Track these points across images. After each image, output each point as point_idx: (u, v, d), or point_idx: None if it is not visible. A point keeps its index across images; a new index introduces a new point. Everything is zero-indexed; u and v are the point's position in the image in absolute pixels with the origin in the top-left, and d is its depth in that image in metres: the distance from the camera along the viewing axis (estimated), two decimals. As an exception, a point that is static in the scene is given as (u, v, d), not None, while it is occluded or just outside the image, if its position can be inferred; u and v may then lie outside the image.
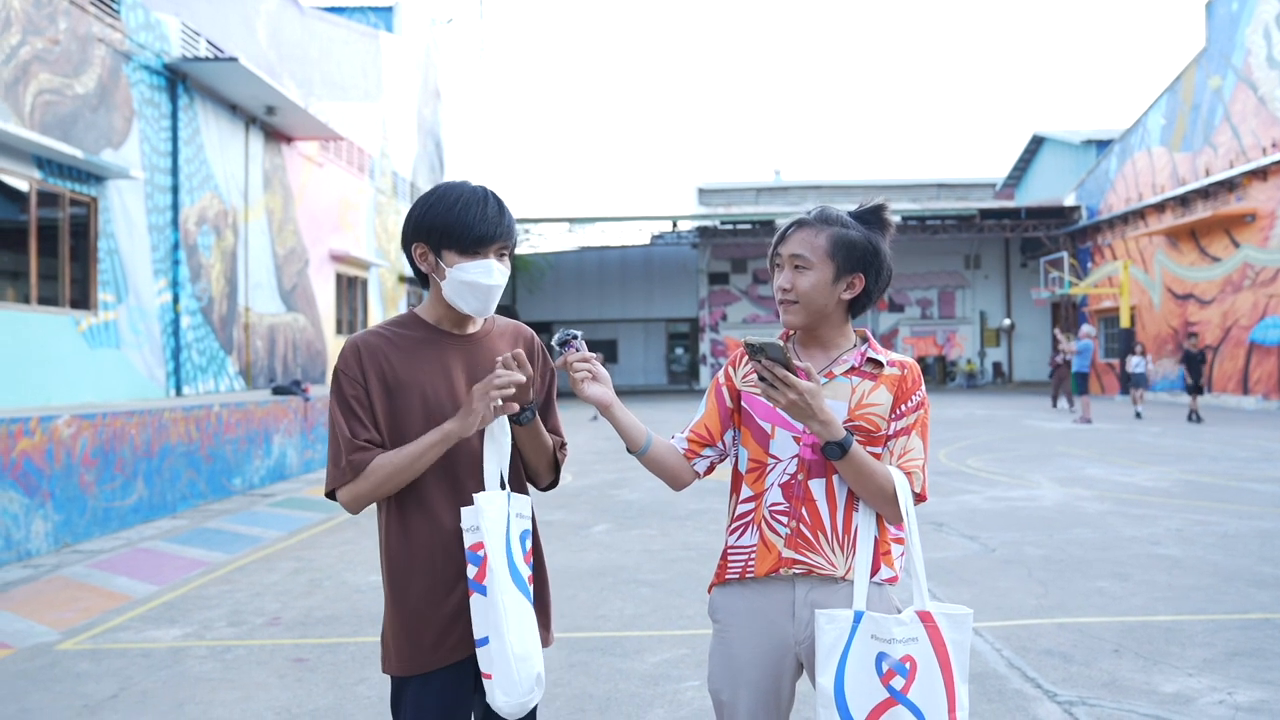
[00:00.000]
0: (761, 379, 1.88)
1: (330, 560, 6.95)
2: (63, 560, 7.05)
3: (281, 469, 11.79)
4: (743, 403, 2.09)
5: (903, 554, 2.09)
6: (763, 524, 2.01)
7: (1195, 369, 18.02)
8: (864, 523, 1.98)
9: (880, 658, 1.87)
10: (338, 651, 4.72)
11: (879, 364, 2.04)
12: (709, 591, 2.16)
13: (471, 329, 2.12)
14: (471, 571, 1.92)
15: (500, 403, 1.96)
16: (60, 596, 6.00)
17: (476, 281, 1.99)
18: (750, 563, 2.03)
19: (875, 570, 2.00)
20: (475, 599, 1.92)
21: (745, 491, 2.06)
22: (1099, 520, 7.74)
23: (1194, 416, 17.69)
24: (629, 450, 2.09)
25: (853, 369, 2.03)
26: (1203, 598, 5.31)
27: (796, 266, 2.01)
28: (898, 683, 1.86)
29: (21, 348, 9.44)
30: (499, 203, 2.03)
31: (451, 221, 1.98)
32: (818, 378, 1.92)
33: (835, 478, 1.98)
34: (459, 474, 2.03)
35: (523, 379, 1.96)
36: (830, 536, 1.98)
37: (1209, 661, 4.22)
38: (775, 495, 2.01)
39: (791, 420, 1.97)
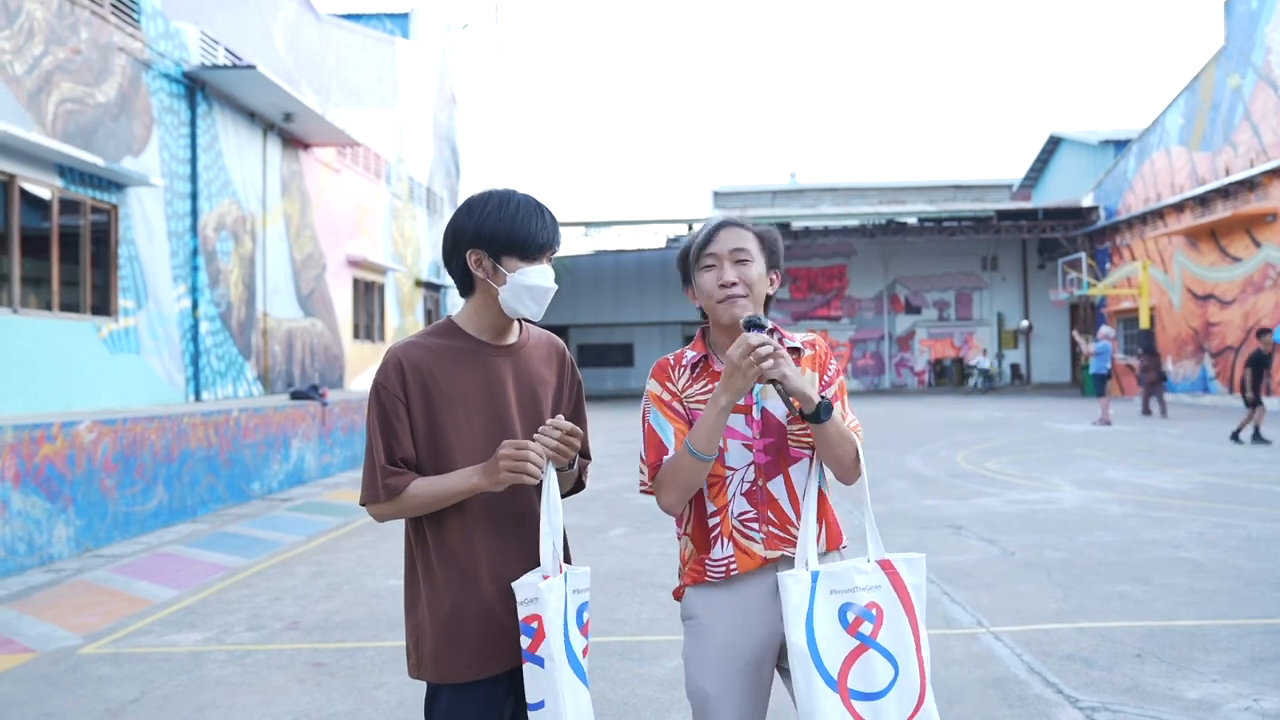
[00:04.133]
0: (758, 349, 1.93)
1: (348, 564, 6.98)
2: (84, 564, 7.11)
3: (300, 473, 11.85)
4: (691, 419, 2.10)
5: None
6: (735, 535, 2.07)
7: (1260, 372, 13.85)
8: (809, 487, 2.06)
9: (844, 608, 1.95)
10: (356, 656, 4.73)
11: (797, 350, 2.14)
12: (678, 595, 2.18)
13: (510, 339, 2.14)
14: (525, 642, 1.93)
15: (525, 478, 1.96)
16: (82, 601, 6.05)
17: (538, 285, 2.03)
18: (732, 568, 2.07)
19: (834, 543, 2.12)
20: (529, 667, 1.92)
21: (708, 507, 2.09)
22: (1119, 523, 7.68)
23: (1249, 435, 13.86)
24: (697, 451, 2.01)
25: None
26: (1226, 602, 5.25)
27: (739, 260, 2.08)
28: (866, 629, 1.94)
29: (44, 354, 9.53)
30: (551, 212, 2.10)
31: (515, 229, 2.02)
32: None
33: (791, 469, 2.07)
34: (500, 496, 2.05)
35: (538, 471, 1.95)
36: (798, 521, 2.07)
37: (1233, 667, 4.17)
38: (741, 505, 2.07)
39: (782, 395, 2.00)
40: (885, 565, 2.00)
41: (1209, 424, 17.38)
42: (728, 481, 2.07)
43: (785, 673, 2.07)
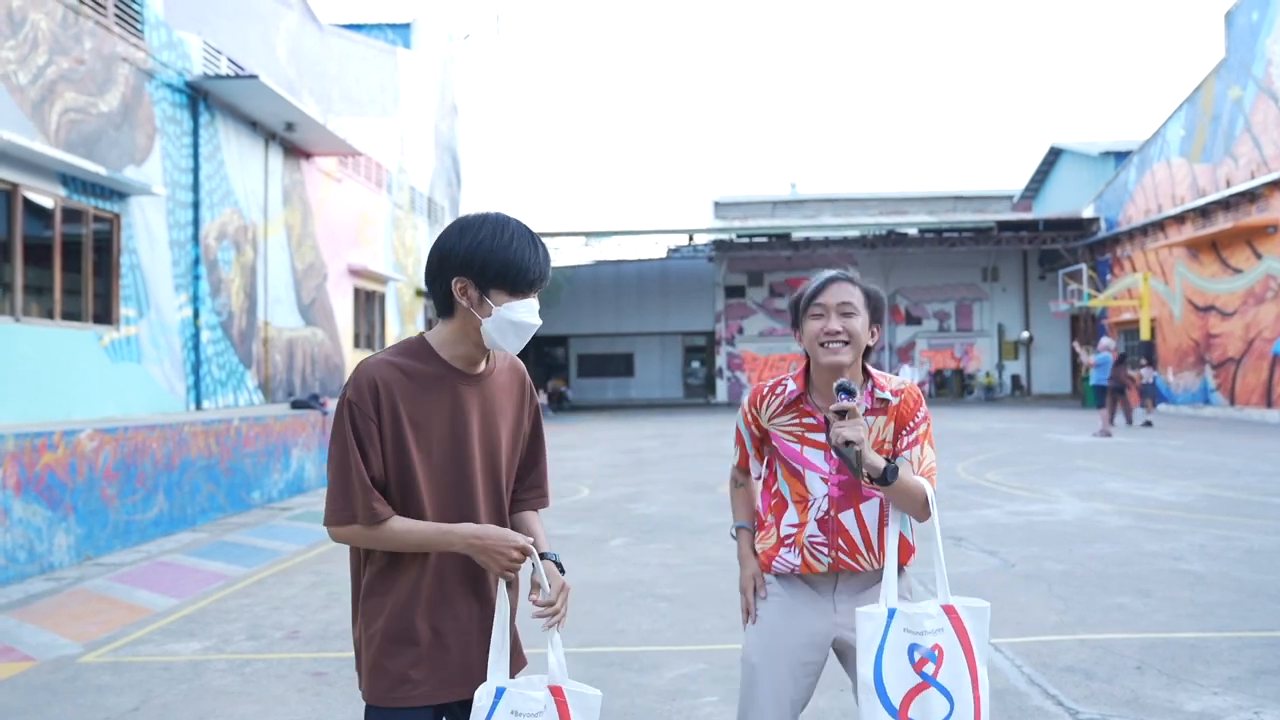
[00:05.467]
0: (840, 413, 2.13)
1: (347, 574, 6.96)
2: (85, 573, 7.11)
3: (299, 482, 11.84)
4: (774, 442, 2.40)
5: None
6: (804, 550, 2.34)
7: None
8: (891, 529, 2.26)
9: (913, 648, 2.14)
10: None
11: (886, 400, 2.33)
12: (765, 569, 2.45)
13: (480, 369, 2.06)
14: None
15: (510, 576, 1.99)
16: (82, 609, 6.05)
17: (524, 321, 1.96)
18: (796, 570, 2.36)
19: (904, 558, 2.33)
20: None
21: (792, 516, 2.37)
22: (1120, 535, 7.67)
23: None
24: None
25: (868, 410, 2.32)
26: (1227, 614, 5.24)
27: (846, 313, 2.28)
28: (929, 669, 2.13)
29: (46, 362, 9.54)
30: (543, 243, 2.02)
31: (507, 262, 1.93)
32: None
33: (861, 506, 2.30)
34: (466, 518, 2.03)
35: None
36: (865, 551, 2.33)
37: (1234, 680, 4.17)
38: (813, 529, 2.33)
39: (841, 457, 2.20)
40: (949, 611, 2.20)
41: (1210, 436, 17.37)
42: (809, 504, 2.34)
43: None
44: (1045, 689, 4.12)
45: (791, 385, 2.37)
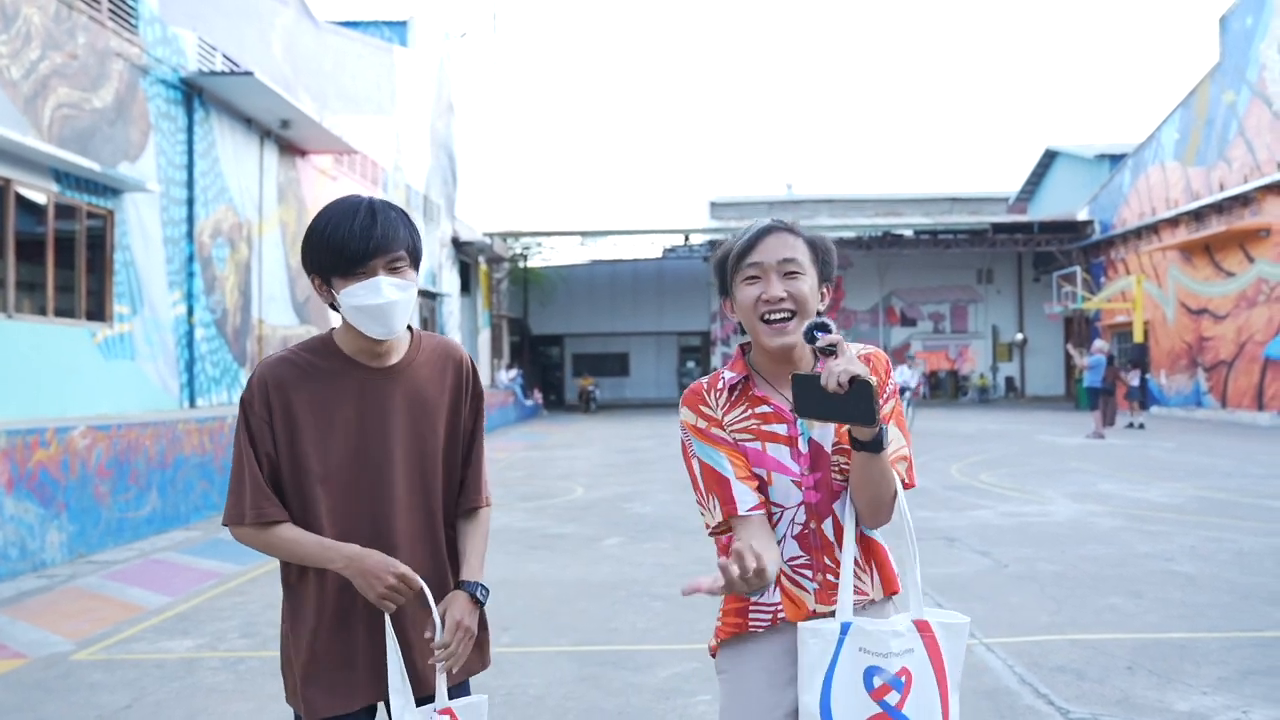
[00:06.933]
0: (828, 351, 1.67)
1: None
2: (77, 570, 7.09)
3: (294, 480, 11.81)
4: (736, 445, 1.86)
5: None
6: (783, 580, 1.83)
7: None
8: (847, 527, 1.82)
9: (871, 672, 1.72)
10: (349, 663, 4.72)
11: None
12: (713, 652, 1.94)
13: (393, 359, 1.94)
14: None
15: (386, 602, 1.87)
16: (75, 607, 6.03)
17: (366, 304, 1.82)
18: (780, 616, 1.83)
19: (890, 587, 1.88)
20: None
21: None
22: (1112, 536, 7.70)
23: None
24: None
25: None
26: (1218, 615, 5.27)
27: (789, 273, 1.80)
28: (892, 698, 1.71)
29: (39, 359, 9.51)
30: (373, 212, 1.83)
31: (325, 247, 1.82)
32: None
33: (835, 506, 1.82)
34: (377, 523, 1.95)
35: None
36: (854, 568, 1.84)
37: (1224, 680, 4.19)
38: (792, 548, 1.83)
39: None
40: (922, 627, 1.76)
41: (1201, 438, 17.44)
42: (775, 520, 1.82)
43: None
44: (1036, 688, 4.14)
45: (730, 373, 1.87)
